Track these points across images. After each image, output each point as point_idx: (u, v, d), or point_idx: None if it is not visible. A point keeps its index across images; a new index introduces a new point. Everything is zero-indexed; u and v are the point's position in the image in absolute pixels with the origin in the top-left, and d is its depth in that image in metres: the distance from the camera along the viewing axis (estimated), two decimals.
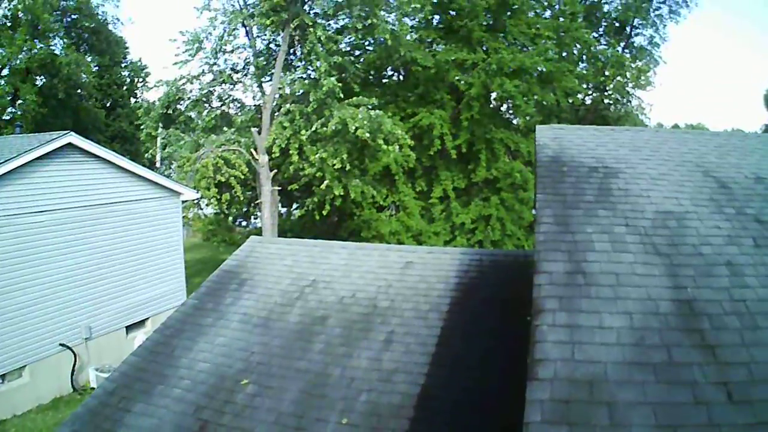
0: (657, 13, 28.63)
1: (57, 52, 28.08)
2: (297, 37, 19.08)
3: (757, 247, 4.50)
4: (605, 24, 29.88)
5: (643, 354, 3.38)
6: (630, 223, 4.84)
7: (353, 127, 17.02)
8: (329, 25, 19.37)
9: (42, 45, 25.55)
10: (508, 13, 21.76)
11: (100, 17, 32.93)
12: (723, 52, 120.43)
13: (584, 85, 25.80)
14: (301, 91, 18.38)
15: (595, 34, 30.18)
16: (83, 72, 26.92)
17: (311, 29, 18.24)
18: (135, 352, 6.90)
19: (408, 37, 20.60)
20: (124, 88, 41.11)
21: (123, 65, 42.74)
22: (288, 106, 18.63)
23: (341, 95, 17.86)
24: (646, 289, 3.91)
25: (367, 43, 20.74)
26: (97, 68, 40.09)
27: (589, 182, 5.65)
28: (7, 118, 25.19)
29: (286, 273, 7.77)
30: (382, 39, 18.65)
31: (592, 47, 27.31)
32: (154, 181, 13.99)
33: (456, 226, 22.17)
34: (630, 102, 29.56)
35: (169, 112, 21.36)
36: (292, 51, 19.94)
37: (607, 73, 27.43)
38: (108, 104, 41.26)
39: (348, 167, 18.17)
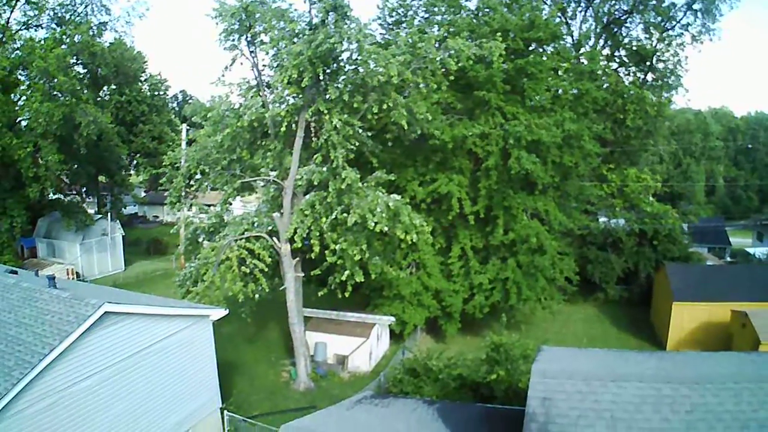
0: (679, 42, 27.71)
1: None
2: (313, 123, 19.19)
3: None
4: (626, 50, 29.02)
5: None
6: None
7: (372, 224, 17.41)
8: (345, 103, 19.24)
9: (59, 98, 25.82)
10: (526, 78, 21.37)
11: (115, 58, 32.98)
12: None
13: (601, 125, 25.35)
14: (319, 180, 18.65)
15: (616, 63, 29.46)
16: (102, 124, 27.28)
17: (326, 117, 18.34)
18: None
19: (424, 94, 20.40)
20: (145, 104, 41.42)
21: (143, 79, 43.00)
22: (308, 197, 19.02)
23: (359, 184, 18.15)
24: None
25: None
26: (115, 87, 40.46)
27: None
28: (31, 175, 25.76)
29: None
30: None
31: (614, 85, 26.77)
32: (185, 314, 14.72)
33: (474, 285, 22.70)
34: (652, 132, 29.05)
35: (191, 183, 22.00)
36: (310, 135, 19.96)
37: (627, 108, 27.00)
38: (129, 119, 41.80)
39: (367, 255, 18.66)
